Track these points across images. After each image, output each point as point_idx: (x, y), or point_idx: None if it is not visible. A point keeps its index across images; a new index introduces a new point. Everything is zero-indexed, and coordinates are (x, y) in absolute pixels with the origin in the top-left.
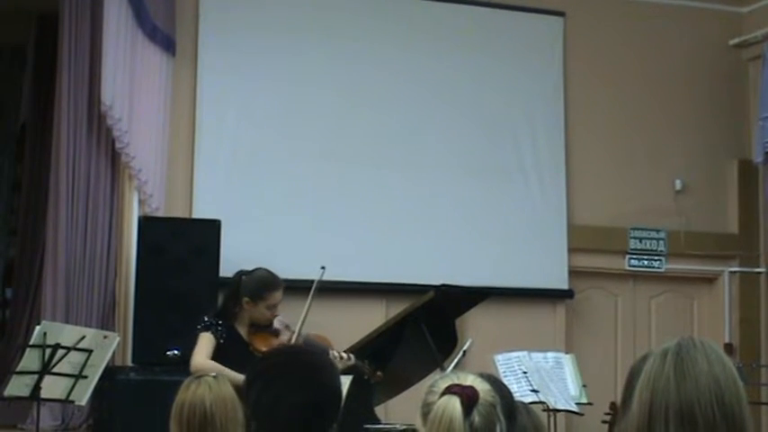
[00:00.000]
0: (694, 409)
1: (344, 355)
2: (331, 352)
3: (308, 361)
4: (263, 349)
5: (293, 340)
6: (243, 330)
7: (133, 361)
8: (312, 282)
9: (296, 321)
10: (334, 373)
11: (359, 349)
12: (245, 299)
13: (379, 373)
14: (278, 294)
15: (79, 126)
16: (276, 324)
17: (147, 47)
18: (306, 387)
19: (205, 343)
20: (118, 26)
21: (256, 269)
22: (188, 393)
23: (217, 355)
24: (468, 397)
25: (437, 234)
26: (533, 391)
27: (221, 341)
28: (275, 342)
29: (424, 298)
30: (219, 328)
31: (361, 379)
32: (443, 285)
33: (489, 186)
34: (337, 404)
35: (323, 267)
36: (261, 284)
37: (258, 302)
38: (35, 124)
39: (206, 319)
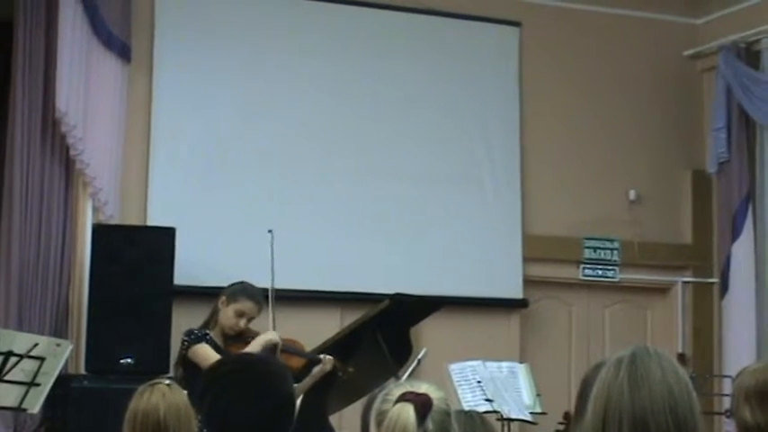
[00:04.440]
0: (647, 417)
1: (326, 357)
2: (323, 357)
3: (260, 369)
4: None
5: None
6: (219, 340)
7: (86, 369)
8: (268, 290)
9: (263, 328)
10: (287, 381)
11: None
12: (222, 297)
13: (350, 369)
14: (250, 304)
15: (33, 133)
16: (251, 333)
17: (103, 54)
18: (259, 395)
19: (209, 351)
20: (73, 33)
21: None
22: (141, 401)
23: None
24: (422, 404)
25: (392, 242)
26: (487, 400)
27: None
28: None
29: (380, 307)
30: (208, 338)
31: (317, 386)
32: (398, 294)
33: (444, 195)
34: (291, 412)
35: (270, 231)
36: (240, 288)
37: (230, 303)
38: None
39: (194, 332)
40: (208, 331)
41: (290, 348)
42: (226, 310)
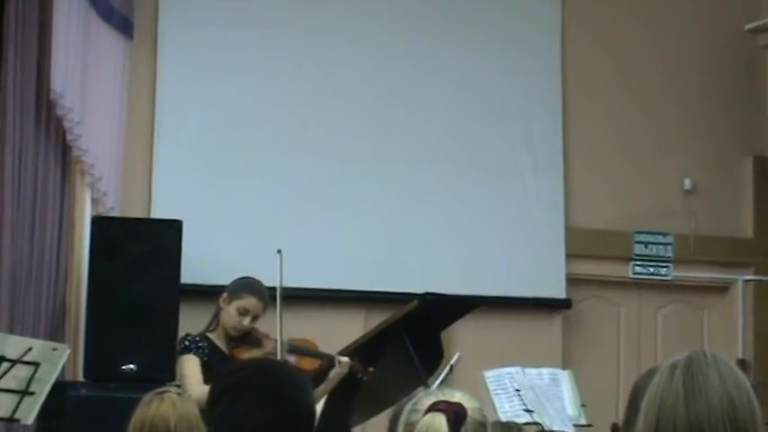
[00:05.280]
0: (704, 427)
1: (342, 359)
2: (335, 357)
3: (276, 375)
4: None
5: (278, 348)
6: (222, 343)
7: (85, 375)
8: (283, 288)
9: (272, 329)
10: (306, 389)
11: None
12: (224, 295)
13: (370, 368)
14: (253, 300)
15: (26, 116)
16: (257, 335)
17: (102, 29)
18: (275, 403)
19: (193, 367)
20: (69, 5)
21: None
22: (150, 410)
23: (203, 376)
24: (456, 414)
25: (421, 237)
26: (527, 410)
27: (205, 359)
28: (258, 353)
29: (407, 307)
30: (200, 347)
31: (340, 394)
32: (428, 294)
33: (478, 185)
34: (310, 422)
35: (279, 251)
36: (242, 283)
37: (232, 301)
38: None
39: (186, 339)
40: (207, 335)
41: (299, 349)
42: (228, 309)
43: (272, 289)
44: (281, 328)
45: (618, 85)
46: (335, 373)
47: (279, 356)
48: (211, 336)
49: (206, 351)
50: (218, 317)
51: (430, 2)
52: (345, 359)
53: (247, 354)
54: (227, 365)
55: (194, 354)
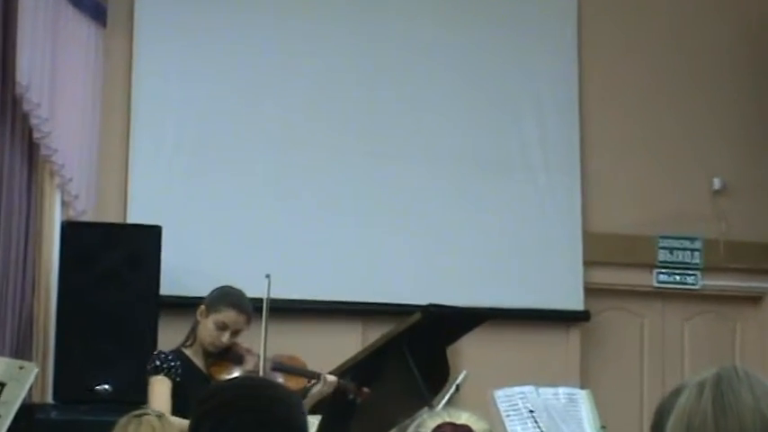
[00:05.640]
0: None
1: (329, 377)
2: (322, 375)
3: (265, 394)
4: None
5: (260, 366)
6: (199, 360)
7: (54, 397)
8: (272, 299)
9: (256, 344)
10: (298, 408)
11: None
12: (201, 307)
13: (365, 389)
14: (233, 314)
15: None
16: (239, 351)
17: (73, 15)
18: (264, 425)
19: (161, 391)
20: None
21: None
22: None
23: (176, 397)
24: None
25: (424, 243)
26: None
27: (177, 380)
28: (239, 371)
29: (410, 321)
30: (173, 366)
31: (335, 415)
32: (432, 305)
33: (487, 186)
34: None
35: (268, 276)
36: (220, 295)
37: (210, 314)
38: None
39: (158, 357)
40: (183, 350)
41: (285, 366)
42: (205, 323)
43: (258, 301)
44: (264, 344)
45: (639, 77)
46: (317, 391)
47: (261, 375)
48: (187, 351)
49: (179, 371)
50: (196, 331)
51: None
52: (332, 378)
53: (226, 371)
54: (206, 385)
55: (165, 375)
